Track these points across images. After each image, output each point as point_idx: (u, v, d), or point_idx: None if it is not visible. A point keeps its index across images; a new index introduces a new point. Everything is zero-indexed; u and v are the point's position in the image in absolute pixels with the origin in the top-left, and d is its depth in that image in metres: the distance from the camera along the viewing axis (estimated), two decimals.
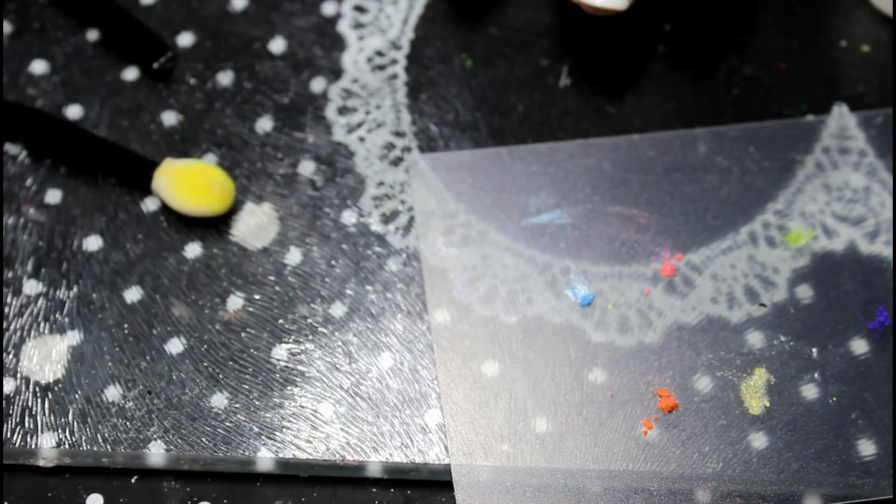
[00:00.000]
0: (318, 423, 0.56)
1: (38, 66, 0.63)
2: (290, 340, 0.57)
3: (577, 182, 0.60)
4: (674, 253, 0.58)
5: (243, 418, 0.56)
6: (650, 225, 0.59)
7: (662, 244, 0.59)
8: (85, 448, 0.55)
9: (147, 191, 0.60)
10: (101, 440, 0.55)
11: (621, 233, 0.59)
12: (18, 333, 0.58)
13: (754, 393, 0.56)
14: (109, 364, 0.57)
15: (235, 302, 0.58)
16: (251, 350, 0.57)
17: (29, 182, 0.61)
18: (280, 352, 0.57)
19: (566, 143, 0.61)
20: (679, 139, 0.61)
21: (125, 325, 0.58)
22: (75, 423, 0.56)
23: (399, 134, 0.62)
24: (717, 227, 0.59)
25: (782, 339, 0.57)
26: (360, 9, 0.65)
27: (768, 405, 0.55)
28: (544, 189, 0.60)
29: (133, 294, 0.58)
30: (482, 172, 0.60)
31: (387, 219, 0.60)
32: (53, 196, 0.61)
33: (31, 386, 0.56)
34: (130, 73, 0.63)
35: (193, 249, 0.59)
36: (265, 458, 0.55)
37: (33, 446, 0.55)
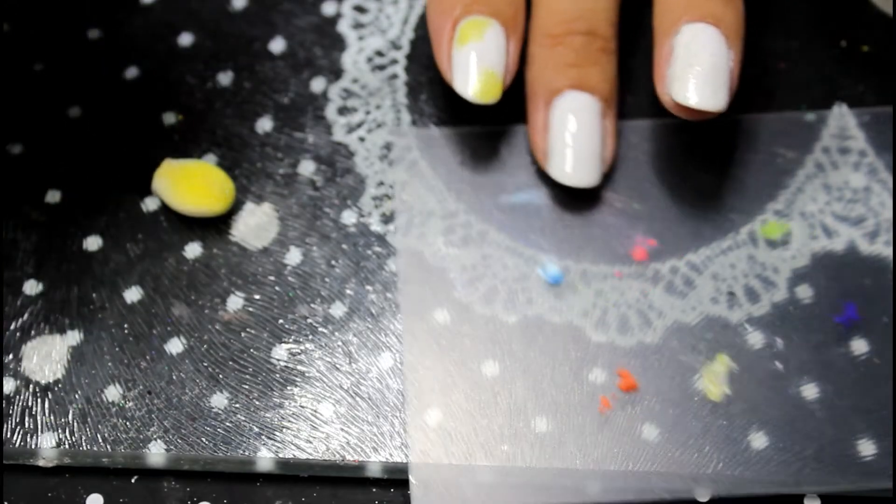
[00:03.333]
0: (318, 423, 0.56)
1: (40, 66, 0.63)
2: (290, 340, 0.58)
3: None
4: (647, 237, 0.58)
5: (243, 418, 0.56)
6: (626, 209, 0.59)
7: (636, 228, 0.59)
8: (85, 448, 0.55)
9: (147, 191, 0.60)
10: (101, 440, 0.55)
11: (597, 215, 0.59)
12: (18, 333, 0.58)
13: (714, 379, 0.56)
14: (109, 364, 0.57)
15: (235, 302, 0.58)
16: (251, 350, 0.57)
17: (29, 182, 0.61)
18: (280, 352, 0.57)
19: None
20: (668, 128, 0.61)
21: (125, 325, 0.58)
22: (75, 423, 0.56)
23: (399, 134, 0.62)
24: (717, 227, 0.59)
25: (782, 338, 0.57)
26: (360, 9, 0.65)
27: (729, 392, 0.55)
28: (523, 169, 0.60)
29: (133, 294, 0.58)
30: (463, 151, 0.60)
31: (387, 219, 0.60)
32: (53, 196, 0.61)
33: (31, 386, 0.57)
34: (130, 73, 0.63)
35: (193, 249, 0.59)
36: (265, 458, 0.55)
37: (33, 446, 0.55)
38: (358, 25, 0.65)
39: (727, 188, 0.60)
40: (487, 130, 0.61)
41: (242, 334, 0.58)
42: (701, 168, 0.60)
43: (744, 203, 0.59)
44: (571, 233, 0.59)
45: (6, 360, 0.57)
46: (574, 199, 0.59)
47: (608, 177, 0.60)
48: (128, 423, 0.56)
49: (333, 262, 0.59)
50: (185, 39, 0.64)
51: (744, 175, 0.60)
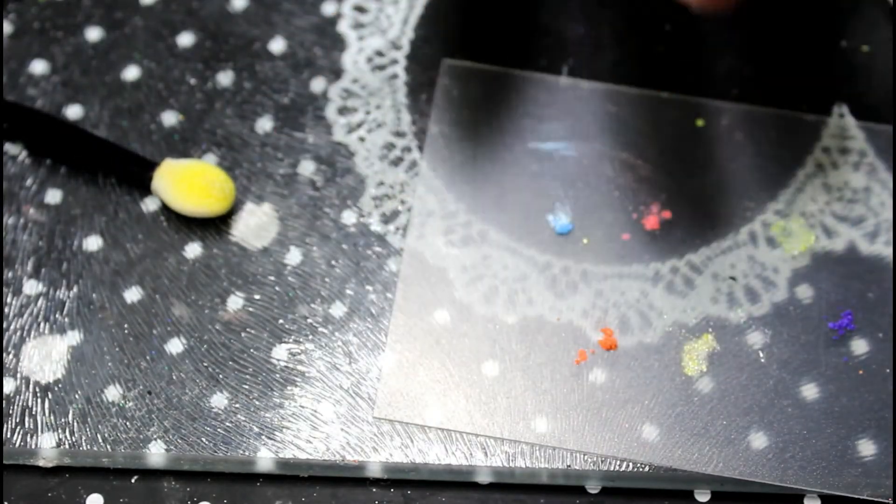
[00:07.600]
0: (318, 423, 0.56)
1: (38, 66, 0.64)
2: (290, 340, 0.58)
3: (593, 121, 0.61)
4: (662, 209, 0.59)
5: (243, 418, 0.56)
6: (650, 178, 0.59)
7: (656, 198, 0.59)
8: (85, 448, 0.55)
9: (147, 191, 0.60)
10: (101, 440, 0.55)
11: (619, 177, 0.59)
12: (18, 333, 0.58)
13: (695, 356, 0.56)
14: (109, 364, 0.57)
15: (235, 302, 0.58)
16: (251, 350, 0.57)
17: (29, 182, 0.61)
18: (280, 352, 0.57)
19: (589, 83, 0.62)
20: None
21: (125, 325, 0.58)
22: (75, 423, 0.56)
23: (399, 134, 0.62)
24: (717, 227, 0.59)
25: (782, 338, 0.57)
26: (360, 9, 0.65)
27: (705, 370, 0.55)
28: (557, 120, 0.60)
29: (133, 294, 0.58)
30: (503, 92, 0.61)
31: (387, 219, 0.60)
32: (53, 196, 0.61)
33: (31, 386, 0.57)
34: (130, 73, 0.63)
35: (193, 249, 0.59)
36: (265, 458, 0.55)
37: (33, 446, 0.55)
38: (358, 25, 0.65)
39: (727, 188, 0.60)
40: (488, 130, 0.61)
41: (242, 334, 0.58)
42: (702, 168, 0.60)
43: (744, 203, 0.59)
44: (589, 187, 0.59)
45: (6, 360, 0.57)
46: (602, 157, 0.60)
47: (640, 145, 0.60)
48: (128, 423, 0.56)
49: (333, 262, 0.59)
50: (185, 39, 0.64)
51: (744, 175, 0.60)
